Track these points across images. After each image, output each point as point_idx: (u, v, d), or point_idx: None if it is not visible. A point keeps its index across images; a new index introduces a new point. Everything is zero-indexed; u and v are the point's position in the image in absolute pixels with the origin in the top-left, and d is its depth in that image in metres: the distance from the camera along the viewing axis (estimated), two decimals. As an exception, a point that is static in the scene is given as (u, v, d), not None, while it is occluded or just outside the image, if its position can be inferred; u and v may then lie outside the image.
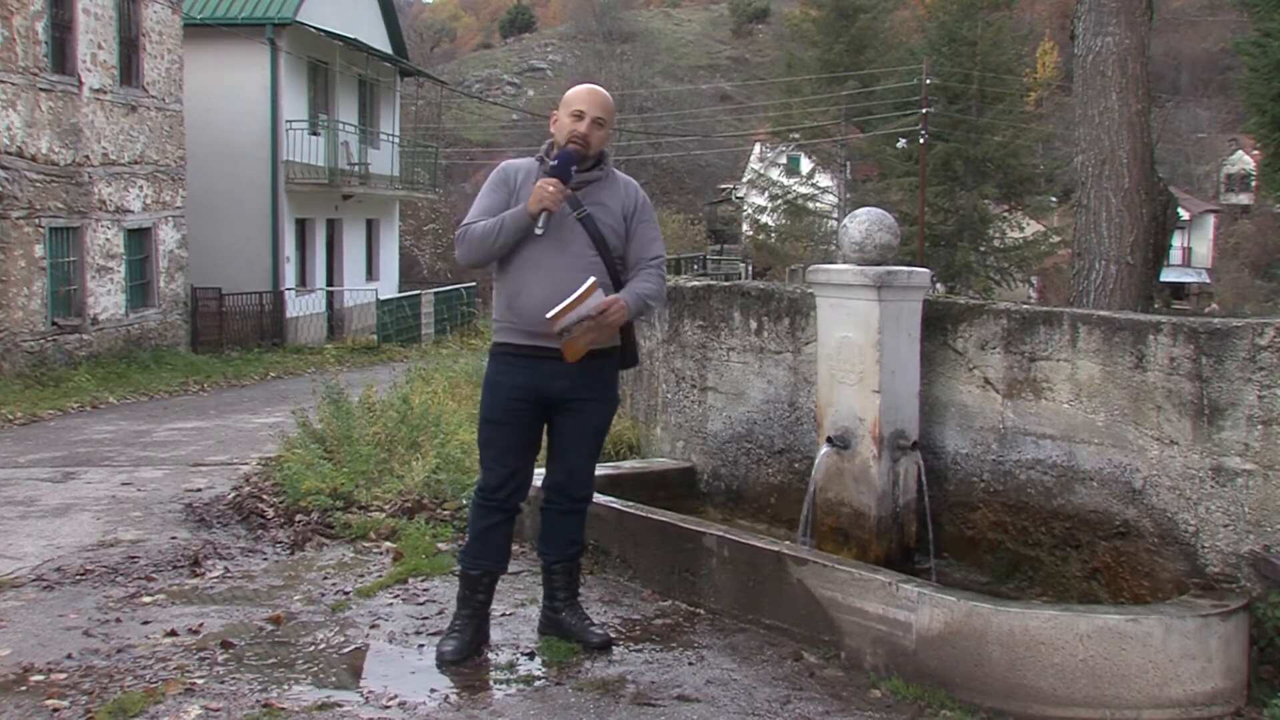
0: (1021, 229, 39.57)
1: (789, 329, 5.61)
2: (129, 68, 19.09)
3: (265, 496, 6.81)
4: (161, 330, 20.16)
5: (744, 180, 50.12)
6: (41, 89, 16.46)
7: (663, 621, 4.63)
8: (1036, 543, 4.71)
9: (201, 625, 4.60)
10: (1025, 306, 4.87)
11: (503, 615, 4.61)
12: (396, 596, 4.97)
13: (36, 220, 16.37)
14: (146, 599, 4.99)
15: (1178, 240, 41.23)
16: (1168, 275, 29.83)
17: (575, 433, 4.22)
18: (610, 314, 4.02)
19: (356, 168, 26.38)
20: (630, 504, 5.23)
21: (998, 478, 4.82)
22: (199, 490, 7.52)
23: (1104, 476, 4.47)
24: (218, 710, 3.73)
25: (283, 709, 3.74)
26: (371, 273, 29.05)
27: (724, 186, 56.71)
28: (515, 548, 5.49)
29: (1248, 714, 3.80)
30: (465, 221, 4.22)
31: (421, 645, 4.38)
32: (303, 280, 25.11)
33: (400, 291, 29.61)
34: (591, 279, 4.01)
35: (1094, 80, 7.41)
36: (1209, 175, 60.48)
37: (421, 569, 5.30)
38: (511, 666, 4.13)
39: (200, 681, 3.98)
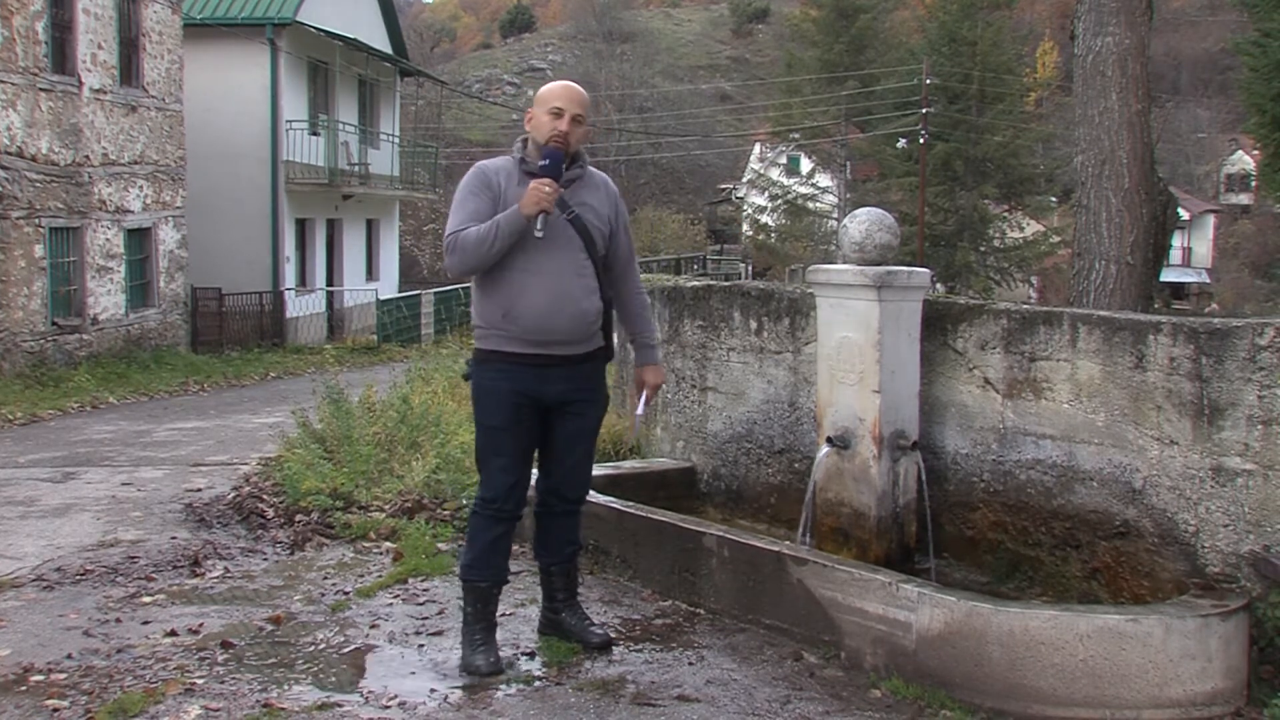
0: (1021, 229, 39.58)
1: (789, 329, 5.61)
2: (129, 68, 19.09)
3: (265, 496, 6.81)
4: (161, 330, 20.17)
5: (744, 180, 50.13)
6: (41, 89, 16.46)
7: (663, 621, 4.63)
8: (1036, 543, 4.71)
9: (201, 625, 4.60)
10: (1025, 306, 4.87)
11: (502, 615, 4.60)
12: (396, 596, 4.97)
13: (36, 220, 16.37)
14: (146, 599, 4.99)
15: (1178, 240, 41.23)
16: (1168, 275, 29.83)
17: (574, 435, 4.19)
18: (654, 395, 4.45)
19: (356, 168, 26.38)
20: (630, 504, 5.23)
21: (998, 478, 4.82)
22: (199, 490, 7.52)
23: (1104, 476, 4.47)
24: (218, 710, 3.73)
25: (283, 709, 3.74)
26: (371, 273, 29.06)
27: (724, 186, 56.71)
28: (515, 547, 5.50)
29: (1248, 714, 3.80)
30: (452, 229, 4.04)
31: (421, 645, 4.38)
32: (303, 280, 25.11)
33: (400, 292, 29.62)
34: (644, 395, 4.37)
35: (1094, 80, 7.41)
36: (1209, 175, 60.48)
37: (421, 569, 5.30)
38: (511, 666, 4.13)
39: (200, 681, 3.98)
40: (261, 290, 23.33)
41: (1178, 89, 61.13)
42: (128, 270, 19.03)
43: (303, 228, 25.09)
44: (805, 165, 45.95)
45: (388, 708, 3.79)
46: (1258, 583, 4.01)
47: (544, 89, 4.21)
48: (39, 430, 11.40)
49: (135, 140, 19.20)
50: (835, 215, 41.42)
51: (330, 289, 26.54)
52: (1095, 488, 4.50)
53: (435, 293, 27.95)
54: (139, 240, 19.59)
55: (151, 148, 19.73)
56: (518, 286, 4.02)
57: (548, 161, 4.02)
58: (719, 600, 4.67)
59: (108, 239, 18.36)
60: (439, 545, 5.68)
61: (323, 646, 4.38)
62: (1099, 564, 4.50)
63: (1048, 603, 4.33)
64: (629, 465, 6.16)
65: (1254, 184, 50.20)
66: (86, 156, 17.68)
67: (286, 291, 23.93)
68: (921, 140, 36.29)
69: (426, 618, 4.68)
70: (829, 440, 4.90)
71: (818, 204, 43.34)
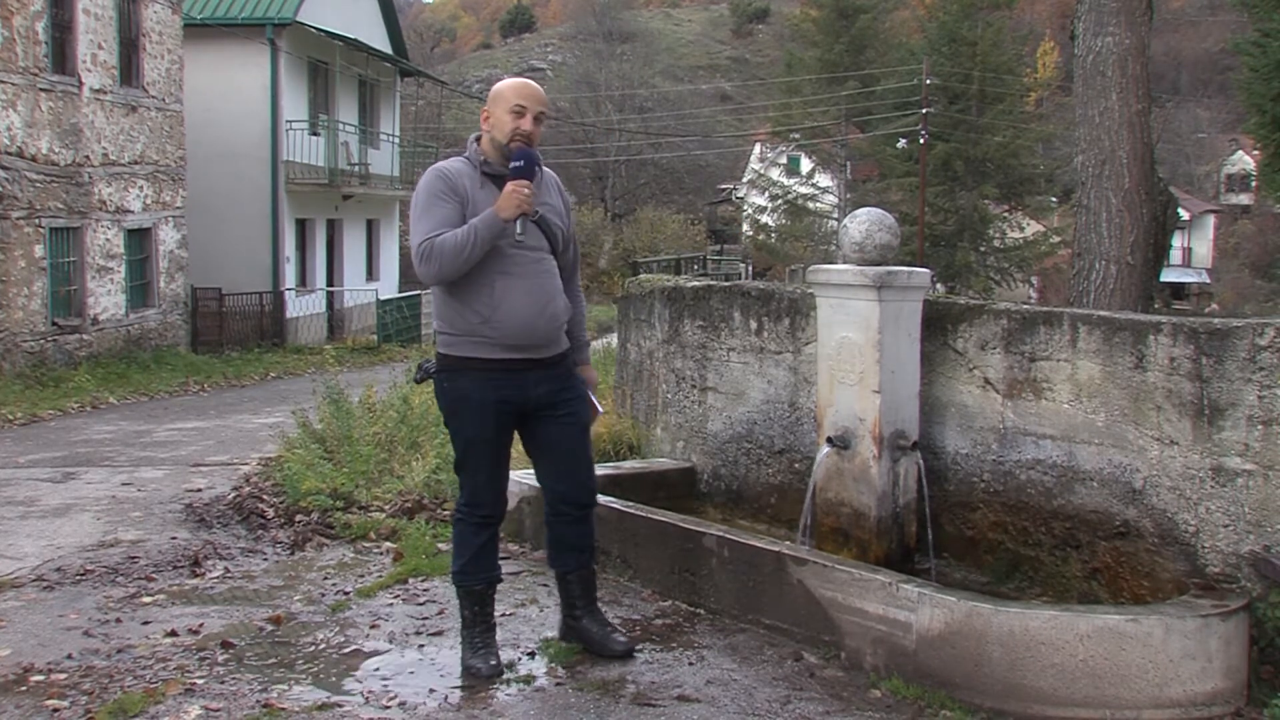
0: (1021, 229, 39.57)
1: (789, 329, 5.61)
2: (129, 68, 19.10)
3: (265, 497, 6.82)
4: (161, 330, 20.17)
5: (744, 180, 50.12)
6: (41, 89, 16.46)
7: (663, 621, 4.63)
8: (1036, 543, 4.71)
9: (202, 625, 4.60)
10: (1025, 307, 4.87)
11: (503, 615, 4.60)
12: (397, 597, 4.97)
13: (36, 220, 16.37)
14: (146, 599, 5.00)
15: (1178, 240, 41.26)
16: (1168, 275, 29.83)
17: (572, 437, 4.14)
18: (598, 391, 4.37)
19: (357, 168, 26.38)
20: (630, 504, 5.23)
21: (998, 478, 4.82)
22: (199, 490, 7.52)
23: (1104, 477, 4.47)
24: (218, 710, 3.73)
25: (283, 709, 3.74)
26: (371, 273, 29.07)
27: (724, 186, 56.71)
28: (515, 547, 5.52)
29: (1248, 714, 3.80)
30: (424, 235, 3.90)
31: (422, 645, 4.38)
32: (303, 280, 25.12)
33: (400, 292, 29.61)
34: (596, 400, 4.26)
35: (1094, 80, 7.41)
36: (1209, 175, 60.49)
37: (421, 569, 5.30)
38: (512, 666, 4.13)
39: (200, 682, 3.98)
40: (262, 290, 23.33)
41: (1178, 89, 61.14)
42: (128, 270, 19.04)
43: (303, 228, 25.09)
44: (805, 165, 45.94)
45: (388, 708, 3.79)
46: (1258, 583, 4.01)
47: (500, 86, 4.10)
48: (39, 430, 11.40)
49: (135, 140, 19.20)
50: (835, 215, 41.41)
51: (330, 289, 26.55)
52: (1095, 488, 4.50)
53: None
54: (139, 240, 19.59)
55: (151, 148, 19.73)
56: (498, 291, 3.94)
57: (521, 163, 3.93)
58: (719, 600, 4.67)
59: (108, 239, 18.36)
60: (439, 545, 5.68)
61: (323, 647, 4.38)
62: (1099, 564, 4.50)
63: (1048, 603, 4.33)
64: (629, 465, 6.16)
65: (1254, 184, 50.19)
66: (86, 156, 17.69)
67: (287, 292, 23.93)
68: (921, 140, 36.27)
69: (427, 618, 4.68)
70: (829, 440, 4.90)
71: (818, 204, 43.34)
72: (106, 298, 18.37)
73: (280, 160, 23.57)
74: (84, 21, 17.48)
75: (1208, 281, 50.59)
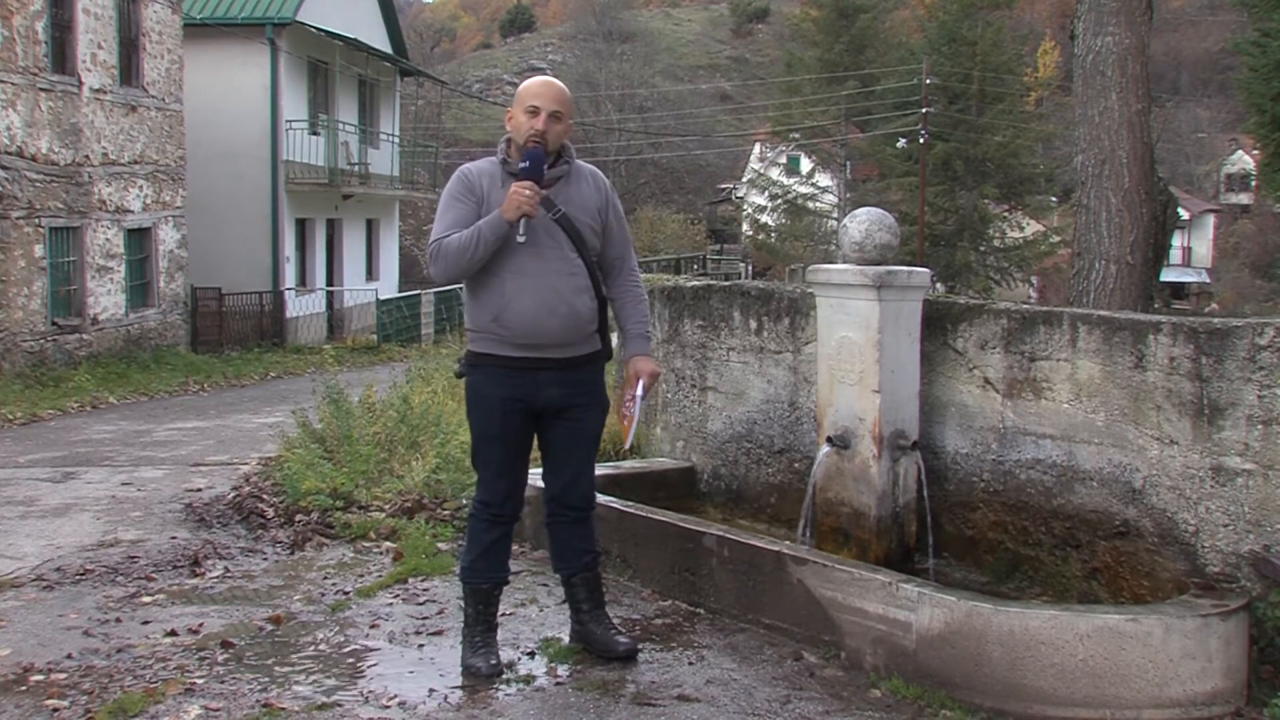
0: (1021, 229, 39.58)
1: (789, 329, 5.61)
2: (129, 68, 19.10)
3: (265, 496, 6.81)
4: (161, 330, 20.17)
5: (744, 180, 50.12)
6: (41, 89, 16.46)
7: (663, 621, 4.63)
8: (1036, 542, 4.71)
9: (201, 625, 4.60)
10: (1025, 306, 4.87)
11: (503, 615, 4.60)
12: (396, 596, 4.97)
13: (36, 220, 16.37)
14: (146, 599, 5.00)
15: (1178, 240, 41.25)
16: (1168, 275, 29.83)
17: (574, 441, 4.13)
18: (655, 385, 4.19)
19: (356, 168, 26.38)
20: (630, 504, 5.23)
21: (998, 477, 4.82)
22: (199, 490, 7.52)
23: (1104, 476, 4.47)
24: (218, 710, 3.73)
25: (283, 709, 3.74)
26: (371, 273, 29.06)
27: (724, 186, 56.72)
28: (515, 547, 5.50)
29: (1248, 714, 3.80)
30: (435, 236, 3.99)
31: (421, 645, 4.38)
32: (303, 280, 25.12)
33: (400, 291, 29.61)
34: (639, 389, 4.15)
35: (1094, 80, 7.41)
36: (1209, 175, 60.50)
37: (421, 569, 5.30)
38: (512, 666, 4.13)
39: (200, 681, 3.98)
40: (261, 290, 23.33)
41: (1178, 89, 61.15)
42: (128, 270, 19.04)
43: (303, 227, 25.09)
44: (805, 165, 45.96)
45: (388, 708, 3.79)
46: (1258, 582, 4.01)
47: (522, 86, 4.12)
48: (39, 430, 11.40)
49: (135, 140, 19.20)
50: (835, 215, 41.42)
51: (330, 289, 26.54)
52: (1095, 487, 4.50)
53: (435, 292, 27.94)
54: (139, 240, 19.59)
55: (151, 147, 19.73)
56: (508, 290, 3.96)
57: (527, 163, 3.94)
58: (719, 600, 4.67)
59: (108, 239, 18.36)
60: (439, 545, 5.68)
61: (323, 646, 4.38)
62: (1099, 564, 4.50)
63: (1048, 603, 4.33)
64: (629, 465, 6.16)
65: (1254, 184, 50.20)
66: (86, 156, 17.69)
67: (286, 291, 23.93)
68: (921, 140, 36.29)
69: (426, 617, 4.68)
70: (829, 440, 4.90)
71: (818, 204, 43.35)
72: (106, 297, 18.37)
73: (280, 160, 23.57)
74: (84, 21, 17.48)
75: (1207, 281, 50.60)
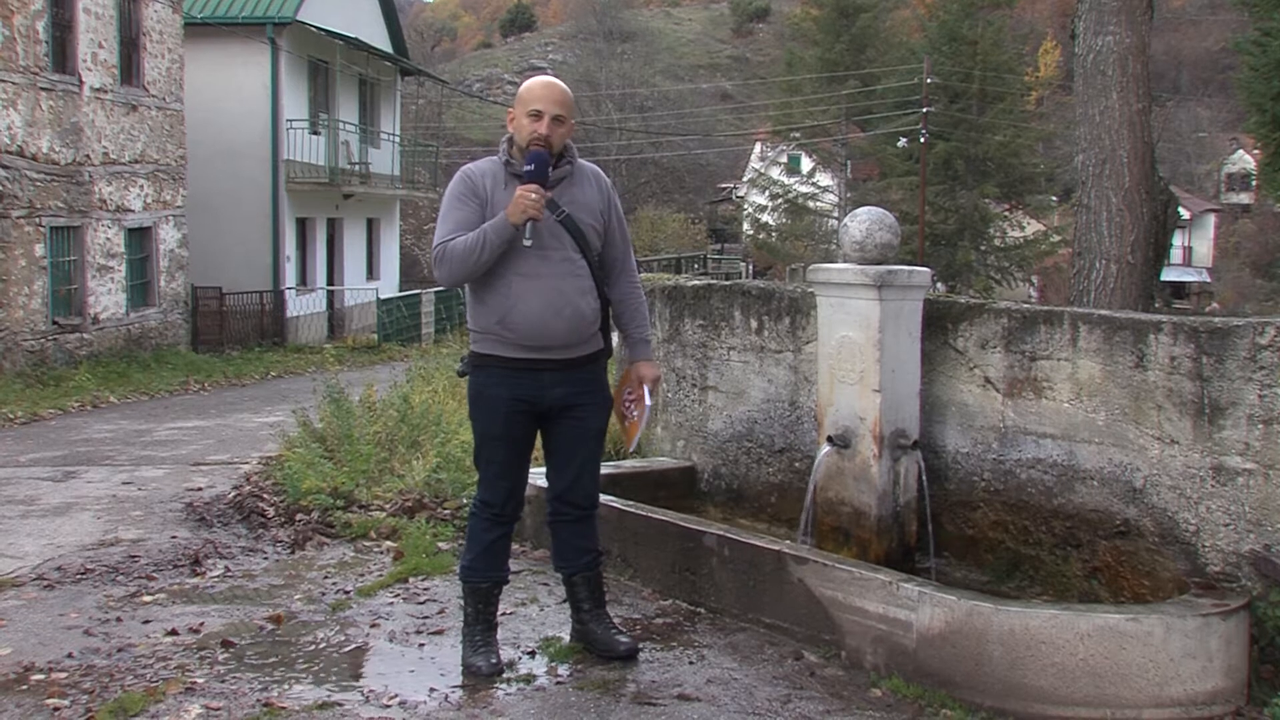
0: (1022, 228, 39.58)
1: (789, 328, 5.61)
2: (129, 67, 19.10)
3: (266, 496, 6.81)
4: (162, 329, 20.17)
5: (744, 179, 50.12)
6: (42, 88, 16.46)
7: (663, 620, 4.63)
8: (1037, 542, 4.71)
9: (202, 624, 4.60)
10: (1026, 306, 4.87)
11: (503, 615, 4.60)
12: (397, 596, 4.97)
13: (37, 219, 16.37)
14: (147, 598, 5.00)
15: (1178, 239, 41.25)
16: (1168, 274, 29.82)
17: (577, 439, 4.13)
18: (658, 388, 4.10)
19: (357, 167, 26.38)
20: (631, 503, 5.23)
21: (998, 477, 4.82)
22: (200, 489, 7.52)
23: (1104, 476, 4.47)
24: (218, 709, 3.73)
25: (283, 708, 3.74)
26: (372, 272, 29.06)
27: (724, 186, 56.72)
28: (516, 546, 5.50)
29: (1248, 713, 3.80)
30: (440, 239, 3.97)
31: (422, 644, 4.38)
32: (303, 279, 25.12)
33: (401, 291, 29.62)
34: (648, 396, 4.17)
35: (1095, 79, 7.41)
36: (1209, 174, 60.49)
37: (422, 568, 5.30)
38: (512, 665, 4.13)
39: (201, 681, 3.99)
40: (262, 289, 23.33)
41: (1178, 88, 61.15)
42: (128, 269, 19.04)
43: (303, 227, 25.10)
44: (806, 164, 45.94)
45: (388, 707, 3.79)
46: (1258, 582, 4.01)
47: (524, 88, 4.09)
48: (40, 429, 11.40)
49: (136, 139, 19.20)
50: (836, 214, 41.41)
51: (331, 288, 26.55)
52: (1096, 487, 4.50)
53: (435, 292, 27.96)
54: (139, 239, 19.60)
55: (152, 147, 19.74)
56: (513, 292, 3.95)
57: (532, 167, 3.91)
58: (719, 599, 4.67)
59: (108, 238, 18.36)
60: (439, 544, 5.68)
61: (323, 646, 4.38)
62: (1099, 563, 4.50)
63: (1048, 602, 4.33)
64: (629, 464, 6.16)
65: (1254, 183, 50.18)
66: (87, 155, 17.69)
67: (287, 291, 23.93)
68: (922, 139, 36.28)
69: (427, 617, 4.68)
70: (829, 439, 4.90)
71: (818, 203, 43.33)
72: (107, 297, 18.37)
73: (281, 159, 23.57)
74: (84, 20, 17.48)
75: (1208, 280, 50.60)
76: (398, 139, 30.41)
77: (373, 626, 4.58)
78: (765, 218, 44.74)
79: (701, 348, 6.08)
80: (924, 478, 4.87)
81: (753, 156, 51.24)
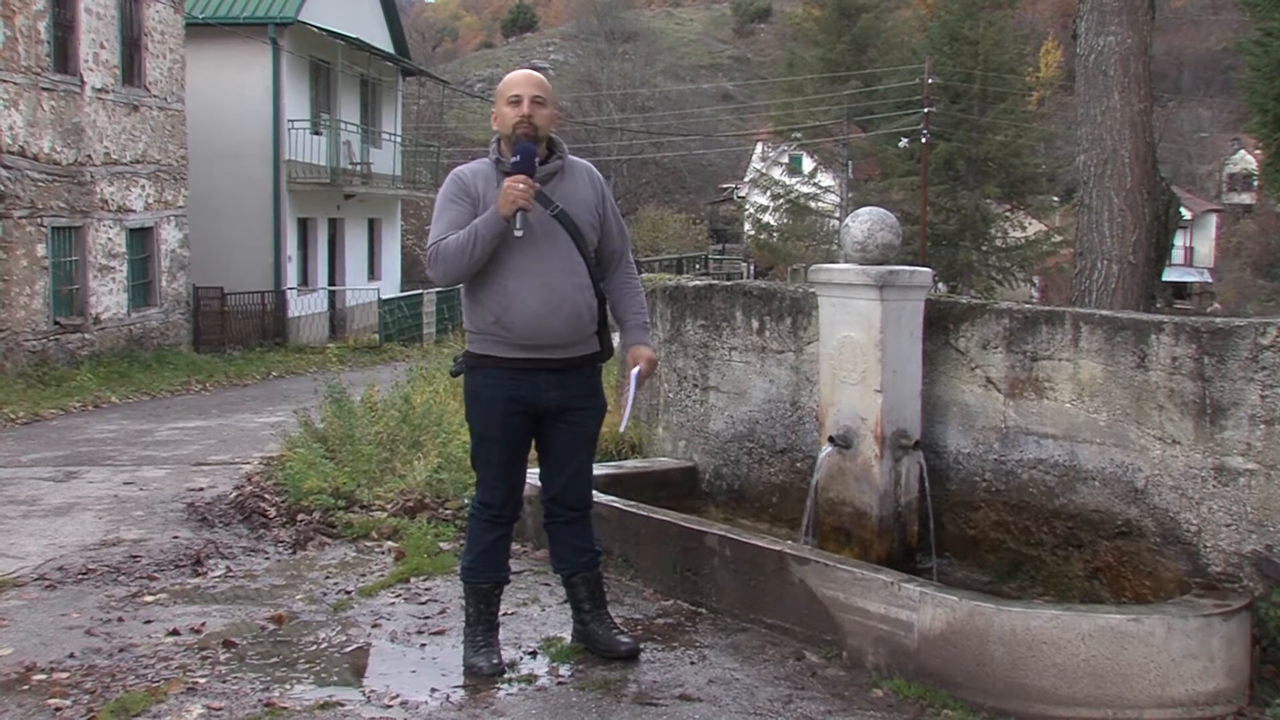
0: (1023, 228, 39.56)
1: (791, 328, 5.61)
2: (131, 67, 19.11)
3: (267, 496, 6.81)
4: (163, 329, 20.18)
5: (746, 180, 50.13)
6: (44, 88, 16.47)
7: (664, 621, 4.63)
8: (1038, 542, 4.70)
9: (204, 624, 4.60)
10: (1027, 306, 4.87)
11: (504, 615, 4.60)
12: (398, 596, 4.97)
13: (39, 220, 16.38)
14: (149, 598, 5.00)
15: (1180, 240, 41.25)
16: (1170, 275, 29.75)
17: (573, 442, 4.12)
18: (651, 374, 4.17)
19: (358, 167, 26.39)
20: (632, 503, 5.23)
21: (1000, 477, 4.82)
22: (201, 489, 7.52)
23: (1106, 476, 4.47)
24: (220, 709, 3.73)
25: (285, 708, 3.74)
26: (373, 272, 29.07)
27: (726, 186, 56.72)
28: (516, 547, 5.50)
29: (1250, 714, 3.80)
30: (433, 240, 3.97)
31: (423, 644, 4.38)
32: (305, 280, 25.13)
33: (402, 291, 29.62)
34: (635, 370, 4.10)
35: (1096, 80, 7.41)
36: (1211, 175, 60.48)
37: (423, 568, 5.30)
38: (514, 665, 4.13)
39: (202, 681, 3.99)
40: (264, 290, 23.34)
41: (1180, 88, 61.14)
42: (130, 269, 19.05)
43: (305, 227, 25.10)
44: (807, 165, 45.94)
45: (389, 707, 3.79)
46: (1260, 582, 4.01)
47: (501, 83, 4.13)
48: (41, 429, 11.41)
49: (137, 139, 19.21)
50: (837, 215, 41.40)
51: (332, 288, 26.55)
52: (1097, 487, 4.50)
53: (437, 292, 27.96)
54: (141, 239, 19.60)
55: (153, 147, 19.74)
56: (510, 290, 3.94)
57: (519, 157, 3.90)
58: (721, 599, 4.67)
59: (110, 238, 18.37)
60: (441, 544, 5.68)
61: (325, 646, 4.38)
62: (1101, 563, 4.50)
63: (1050, 602, 4.33)
64: (631, 464, 6.16)
65: (1256, 183, 50.15)
66: (89, 156, 17.70)
67: (288, 291, 23.94)
68: (923, 139, 36.27)
69: (428, 617, 4.68)
70: (831, 440, 4.90)
71: (820, 203, 43.33)
72: (108, 297, 18.38)
73: (282, 159, 23.58)
74: (86, 21, 17.49)
75: (1210, 281, 50.58)
76: (399, 139, 30.43)
77: (374, 626, 4.58)
78: (766, 218, 44.72)
79: (703, 348, 6.08)
80: (925, 478, 4.87)
81: (754, 157, 51.24)
